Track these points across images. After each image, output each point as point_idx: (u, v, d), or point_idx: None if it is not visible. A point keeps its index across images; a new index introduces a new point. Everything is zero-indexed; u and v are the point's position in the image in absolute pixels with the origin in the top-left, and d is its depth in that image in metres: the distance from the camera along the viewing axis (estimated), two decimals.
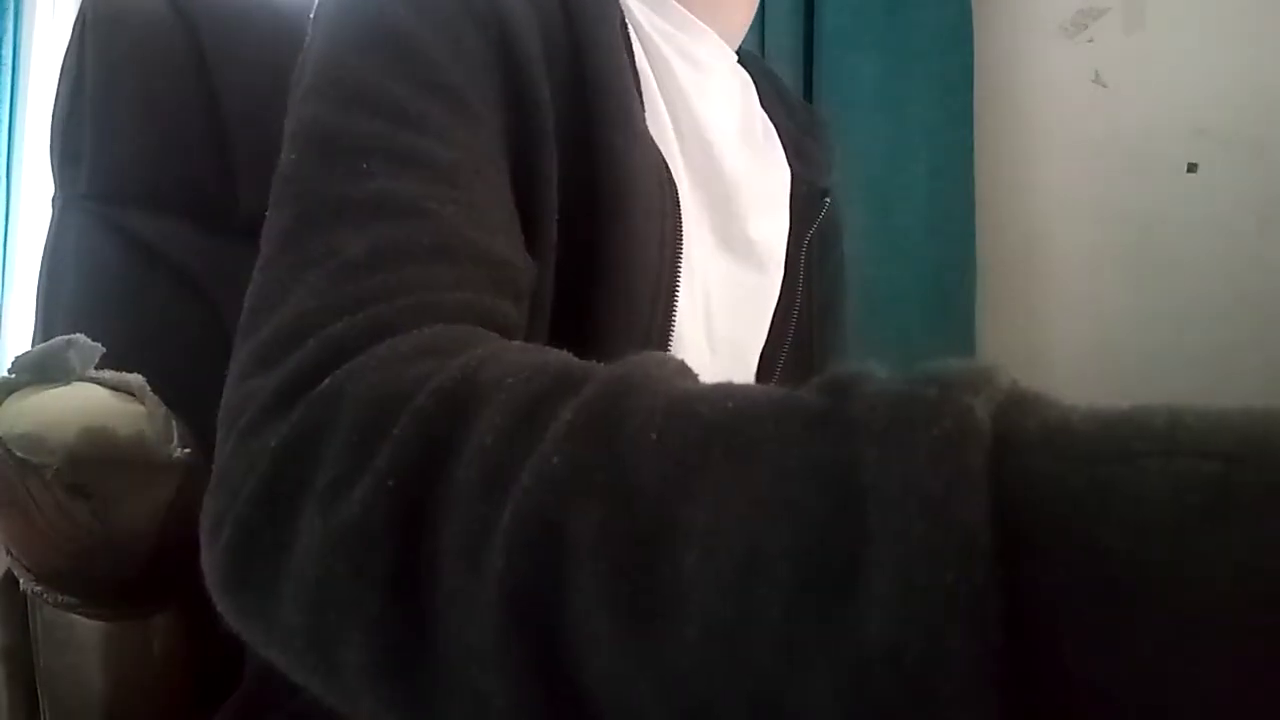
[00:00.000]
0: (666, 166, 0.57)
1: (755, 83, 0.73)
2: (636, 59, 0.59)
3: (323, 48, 0.49)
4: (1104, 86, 1.41)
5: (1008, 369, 0.25)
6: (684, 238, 0.57)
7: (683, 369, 0.32)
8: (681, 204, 0.58)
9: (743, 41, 0.72)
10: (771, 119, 0.73)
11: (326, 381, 0.33)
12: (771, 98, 0.74)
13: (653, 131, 0.58)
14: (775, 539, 0.23)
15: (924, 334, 1.37)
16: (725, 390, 0.28)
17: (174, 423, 0.54)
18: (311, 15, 0.54)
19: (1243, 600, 0.19)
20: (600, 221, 0.52)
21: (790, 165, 0.72)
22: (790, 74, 1.43)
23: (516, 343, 0.37)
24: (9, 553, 0.49)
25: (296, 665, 0.32)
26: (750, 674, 0.23)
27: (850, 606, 0.21)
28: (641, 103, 0.58)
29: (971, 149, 1.41)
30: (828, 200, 0.73)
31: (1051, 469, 0.21)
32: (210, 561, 0.34)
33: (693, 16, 0.64)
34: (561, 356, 0.34)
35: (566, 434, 0.28)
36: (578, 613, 0.25)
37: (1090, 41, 1.42)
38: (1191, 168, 1.37)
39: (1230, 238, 1.36)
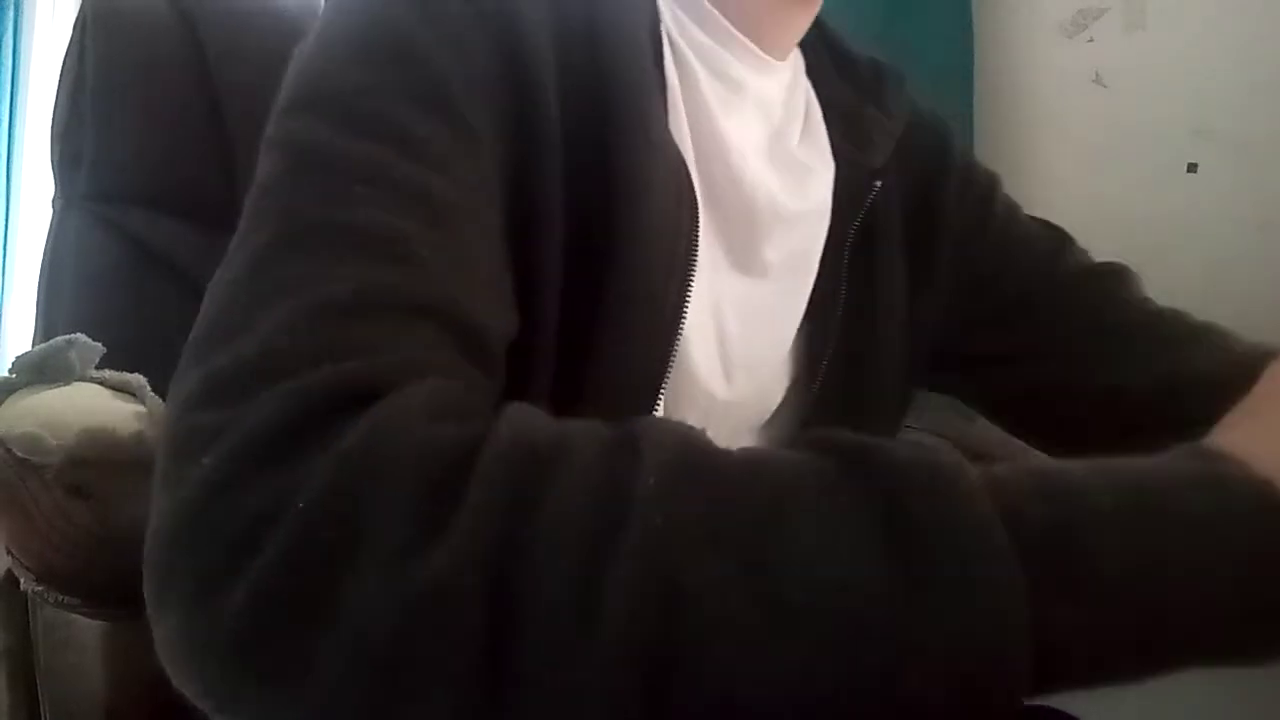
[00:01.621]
0: (689, 176, 0.54)
1: (809, 56, 0.67)
2: (666, 69, 0.56)
3: (319, 52, 0.45)
4: (1104, 86, 1.41)
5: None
6: (697, 261, 0.54)
7: (698, 433, 0.35)
8: (701, 231, 0.55)
9: None
10: (820, 92, 0.67)
11: (350, 434, 0.31)
12: (826, 68, 0.69)
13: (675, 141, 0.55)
14: (866, 551, 0.30)
15: None
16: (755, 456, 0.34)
17: None
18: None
19: None
20: (610, 243, 0.49)
21: (836, 151, 0.66)
22: None
23: (524, 405, 0.36)
24: (9, 553, 0.49)
25: None
26: (862, 657, 0.29)
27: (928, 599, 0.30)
28: (666, 111, 0.55)
29: (971, 148, 1.40)
30: (877, 185, 0.66)
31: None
32: (194, 630, 0.31)
33: (736, 31, 0.59)
34: (589, 422, 0.35)
35: (657, 495, 0.31)
36: (697, 649, 0.29)
37: (1090, 41, 1.42)
38: (1191, 168, 1.37)
39: (1230, 237, 1.36)
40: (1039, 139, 1.44)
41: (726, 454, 0.34)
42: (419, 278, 0.38)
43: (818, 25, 0.67)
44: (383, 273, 0.38)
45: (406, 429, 0.32)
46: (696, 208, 0.54)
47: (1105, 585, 0.31)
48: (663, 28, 0.57)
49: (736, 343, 0.60)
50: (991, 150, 1.43)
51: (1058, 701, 0.70)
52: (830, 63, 0.70)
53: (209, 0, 0.77)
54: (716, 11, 0.59)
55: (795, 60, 0.66)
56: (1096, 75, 1.42)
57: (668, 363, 0.54)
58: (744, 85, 0.60)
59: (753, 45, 0.60)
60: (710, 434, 0.36)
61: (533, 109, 0.47)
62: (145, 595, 0.33)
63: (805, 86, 0.67)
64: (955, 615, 0.29)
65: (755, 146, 0.62)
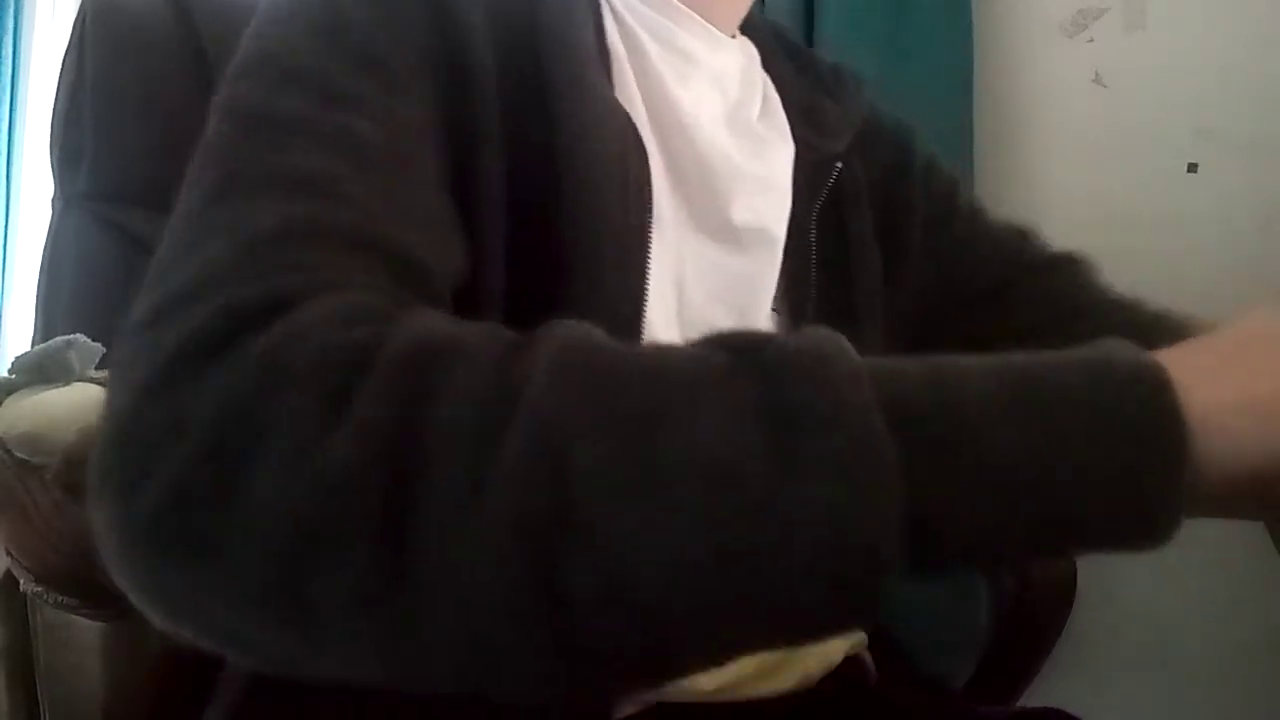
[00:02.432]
0: (635, 130, 0.56)
1: (762, 48, 0.69)
2: (608, 37, 0.58)
3: (261, 26, 0.48)
4: (1104, 86, 1.41)
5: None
6: (655, 219, 0.56)
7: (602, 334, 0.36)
8: (654, 183, 0.56)
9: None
10: (777, 85, 0.69)
11: (262, 340, 0.34)
12: (779, 60, 0.70)
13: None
14: (746, 433, 0.31)
15: None
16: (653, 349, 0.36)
17: None
18: None
19: None
20: (557, 192, 0.51)
21: (795, 136, 0.67)
22: None
23: (430, 310, 0.38)
24: (9, 553, 0.49)
25: (249, 615, 0.33)
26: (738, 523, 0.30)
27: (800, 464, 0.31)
28: (610, 78, 0.57)
29: (971, 149, 1.40)
30: (838, 167, 0.68)
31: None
32: (121, 522, 0.33)
33: (679, 3, 0.61)
34: (491, 325, 0.37)
35: (548, 384, 0.32)
36: (586, 518, 0.30)
37: (1090, 41, 1.42)
38: (1191, 168, 1.37)
39: (1230, 238, 1.36)
40: (1039, 139, 1.44)
41: (621, 349, 0.35)
42: (350, 212, 0.41)
43: (775, 29, 0.70)
44: (314, 207, 0.40)
45: (315, 331, 0.34)
46: (646, 156, 0.55)
47: (983, 467, 0.32)
48: (602, 1, 0.59)
49: (697, 310, 0.60)
50: (991, 150, 1.43)
51: (1058, 701, 0.70)
52: (787, 59, 0.72)
53: None
54: None
55: (749, 47, 0.68)
56: (1096, 75, 1.42)
57: (639, 320, 0.54)
58: (696, 57, 0.62)
59: (698, 18, 0.62)
60: None
61: (465, 67, 0.49)
62: (87, 498, 0.35)
63: (763, 77, 0.69)
64: (827, 494, 0.30)
65: (711, 115, 0.63)
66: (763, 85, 0.68)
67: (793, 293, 0.65)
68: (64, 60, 0.77)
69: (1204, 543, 1.35)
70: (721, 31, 0.64)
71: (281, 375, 0.33)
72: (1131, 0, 1.40)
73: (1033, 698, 0.91)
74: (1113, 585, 1.30)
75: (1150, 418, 0.33)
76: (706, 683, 0.57)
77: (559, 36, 0.54)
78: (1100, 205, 1.42)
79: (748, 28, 0.68)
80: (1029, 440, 0.32)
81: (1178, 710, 1.36)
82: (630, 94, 0.58)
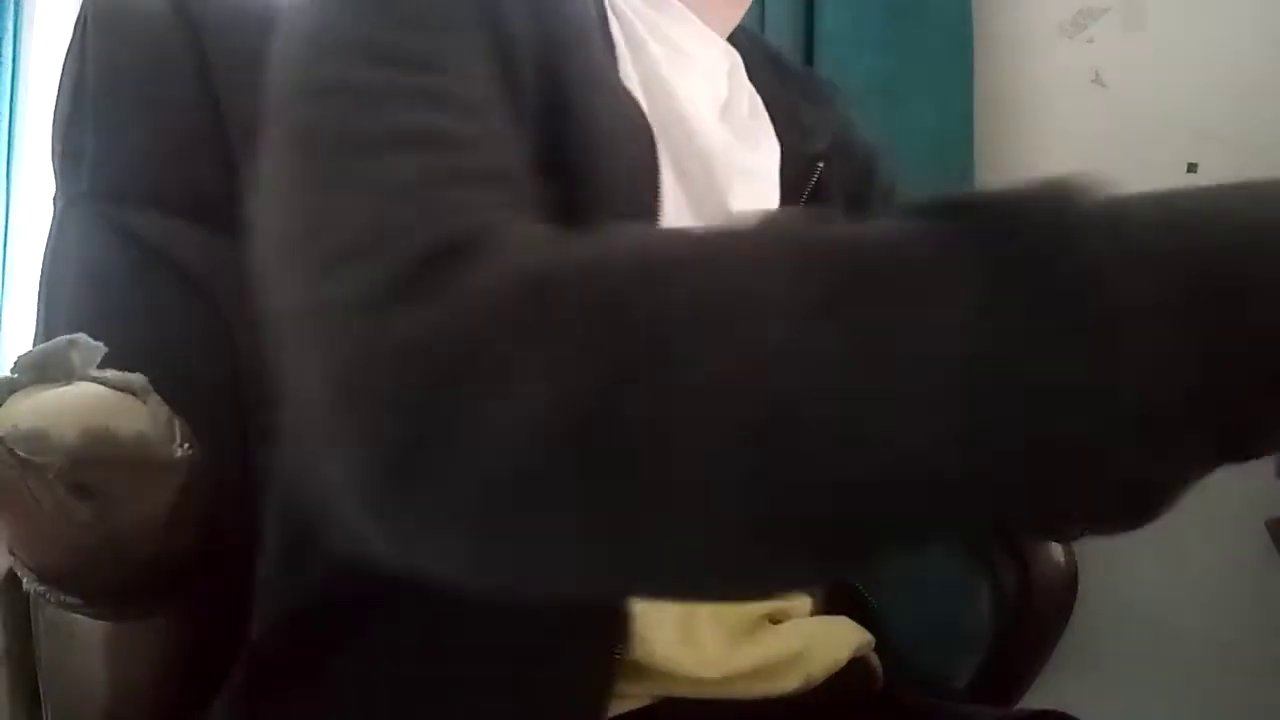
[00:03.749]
0: (643, 115, 0.57)
1: (745, 57, 0.71)
2: (611, 28, 0.59)
3: (318, 11, 0.48)
4: (1104, 86, 1.41)
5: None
6: (661, 189, 0.57)
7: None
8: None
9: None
10: (761, 92, 0.71)
11: (471, 278, 0.34)
12: (763, 68, 0.73)
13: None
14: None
15: None
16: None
17: (176, 422, 0.54)
18: None
19: None
20: (569, 176, 0.51)
21: (781, 138, 0.70)
22: None
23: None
24: (11, 552, 0.49)
25: (487, 533, 0.34)
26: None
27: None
28: (617, 66, 0.58)
29: (971, 149, 1.41)
30: (820, 166, 0.70)
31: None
32: (367, 465, 0.34)
33: (677, 2, 0.63)
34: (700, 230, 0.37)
35: (784, 279, 0.32)
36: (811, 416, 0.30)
37: (1090, 41, 1.42)
38: (1191, 168, 1.37)
39: None
40: (1039, 139, 1.45)
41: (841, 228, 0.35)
42: (474, 153, 0.42)
43: (752, 35, 0.72)
44: (441, 154, 0.41)
45: (516, 263, 0.35)
46: (654, 141, 0.57)
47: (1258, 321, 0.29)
48: None
49: None
50: (991, 150, 1.43)
51: (1059, 702, 0.70)
52: (770, 67, 0.74)
53: None
54: None
55: (734, 54, 0.70)
56: (1096, 75, 1.42)
57: None
58: (689, 51, 0.64)
59: (693, 15, 0.64)
60: None
61: (510, 47, 0.49)
62: (307, 448, 0.37)
63: (750, 91, 0.71)
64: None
65: (706, 105, 0.64)
66: (749, 89, 0.70)
67: None
68: (64, 61, 0.77)
69: (1204, 542, 1.35)
70: (714, 30, 0.66)
71: (504, 309, 0.34)
72: (1131, 0, 1.40)
73: (1034, 698, 0.91)
74: (1114, 585, 1.30)
75: None
76: (708, 672, 0.57)
77: (573, 25, 0.54)
78: None
79: (734, 36, 0.70)
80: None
81: (1178, 710, 1.36)
82: (631, 84, 0.59)
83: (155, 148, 0.74)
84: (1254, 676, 1.32)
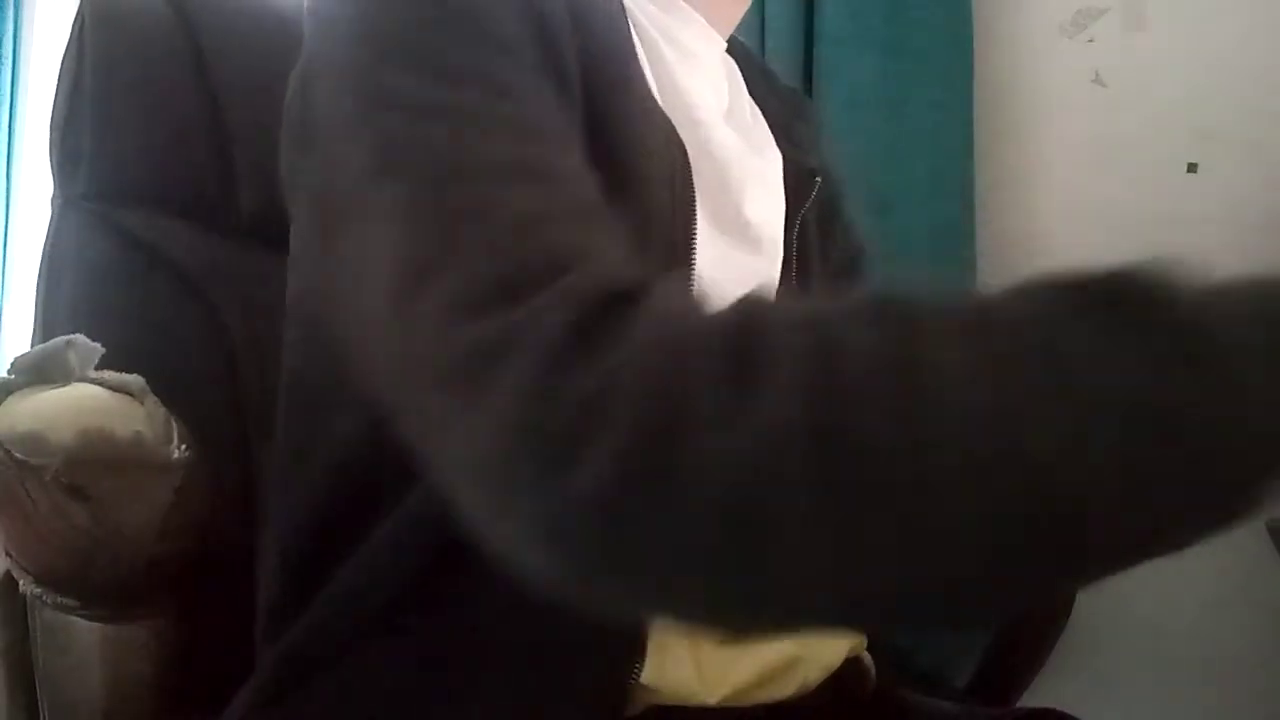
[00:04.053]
0: (673, 126, 0.57)
1: (741, 68, 0.72)
2: (633, 36, 0.59)
3: (377, 13, 0.46)
4: (1104, 86, 1.41)
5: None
6: (695, 195, 0.57)
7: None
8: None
9: (740, 37, 0.72)
10: (758, 104, 0.72)
11: (641, 322, 0.36)
12: (758, 82, 0.74)
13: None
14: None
15: None
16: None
17: (174, 423, 0.54)
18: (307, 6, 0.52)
19: None
20: (614, 188, 0.49)
21: (780, 148, 0.70)
22: (790, 74, 1.43)
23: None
24: (8, 554, 0.49)
25: (709, 568, 0.34)
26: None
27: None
28: (643, 74, 0.58)
29: (971, 149, 1.40)
30: (818, 180, 0.72)
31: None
32: (558, 510, 0.34)
33: (683, 3, 0.63)
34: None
35: (944, 340, 0.34)
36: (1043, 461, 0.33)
37: (1090, 41, 1.42)
38: (1191, 168, 1.37)
39: (1230, 238, 1.35)
40: (1039, 139, 1.44)
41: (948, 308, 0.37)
42: (572, 190, 0.42)
43: (746, 49, 0.73)
44: (556, 192, 0.41)
45: (679, 307, 0.37)
46: (684, 149, 0.56)
47: None
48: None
49: (721, 303, 0.61)
50: (991, 150, 1.43)
51: (1058, 702, 0.70)
52: (763, 80, 0.75)
53: (207, 0, 0.77)
54: None
55: (731, 61, 0.70)
56: (1096, 75, 1.42)
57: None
58: (697, 53, 0.64)
59: (701, 18, 0.64)
60: None
61: (561, 62, 0.49)
62: (478, 508, 0.37)
63: (749, 99, 0.71)
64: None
65: (714, 108, 0.65)
66: (747, 97, 0.71)
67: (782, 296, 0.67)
68: (63, 61, 0.77)
69: (1204, 543, 1.35)
70: (718, 32, 0.66)
71: (681, 350, 0.35)
72: (1131, 0, 1.40)
73: (1033, 698, 0.91)
74: (1113, 586, 1.30)
75: None
76: (709, 695, 0.57)
77: (609, 33, 0.54)
78: (1100, 205, 1.42)
79: (729, 47, 0.71)
80: None
81: (1178, 710, 1.36)
82: (650, 88, 0.59)
83: (153, 148, 0.74)
84: (1253, 677, 1.32)
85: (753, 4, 0.70)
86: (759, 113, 0.71)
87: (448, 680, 0.54)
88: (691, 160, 0.60)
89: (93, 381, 0.56)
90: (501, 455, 0.35)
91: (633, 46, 0.58)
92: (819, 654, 0.62)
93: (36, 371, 0.55)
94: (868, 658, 0.68)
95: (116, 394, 0.55)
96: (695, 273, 0.55)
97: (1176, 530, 0.37)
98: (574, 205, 0.41)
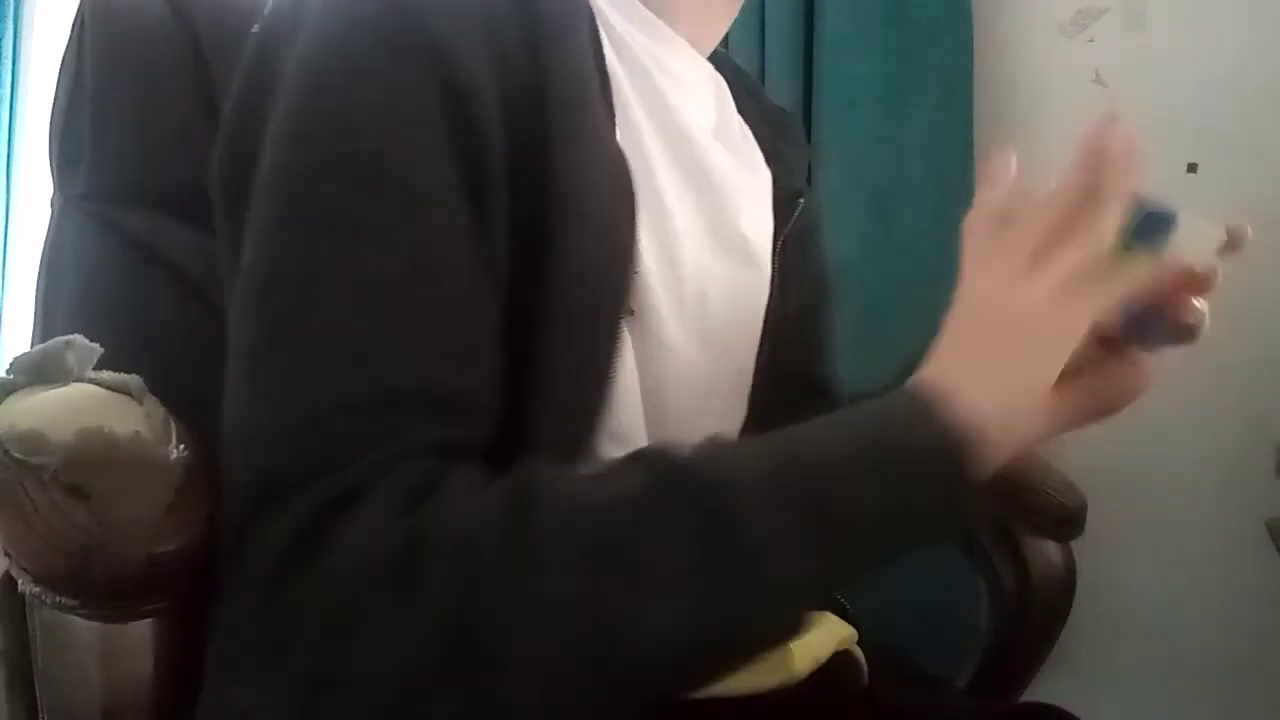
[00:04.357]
0: (629, 180, 0.57)
1: (730, 85, 0.73)
2: (608, 63, 0.59)
3: (282, 155, 0.50)
4: (1104, 86, 1.41)
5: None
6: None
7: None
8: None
9: (741, 41, 0.72)
10: (747, 122, 0.73)
11: (347, 534, 0.42)
12: (746, 100, 0.74)
13: (625, 138, 0.58)
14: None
15: (924, 334, 1.37)
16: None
17: (172, 423, 0.54)
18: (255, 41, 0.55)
19: None
20: (549, 238, 0.52)
21: (768, 167, 0.72)
22: (790, 75, 1.43)
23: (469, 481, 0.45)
24: (7, 554, 0.49)
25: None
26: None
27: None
28: (612, 111, 0.58)
29: (971, 149, 1.40)
30: (801, 201, 0.73)
31: None
32: (270, 689, 0.44)
33: (665, 26, 0.64)
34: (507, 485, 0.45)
35: (553, 564, 0.42)
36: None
37: (1090, 41, 1.42)
38: (1191, 168, 1.37)
39: None
40: (1039, 139, 1.44)
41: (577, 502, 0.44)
42: (392, 371, 0.46)
43: (735, 66, 0.75)
44: (361, 373, 0.46)
45: (377, 529, 0.42)
46: (635, 208, 0.56)
47: (845, 529, 0.45)
48: (598, 19, 0.60)
49: (718, 320, 0.63)
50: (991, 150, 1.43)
51: (1057, 701, 0.70)
52: (752, 100, 0.76)
53: (207, 0, 0.77)
54: (648, 9, 0.63)
55: (719, 77, 0.71)
56: (1096, 75, 1.42)
57: (614, 349, 0.55)
58: (684, 78, 0.65)
59: (685, 41, 0.65)
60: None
61: (475, 133, 0.50)
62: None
63: (738, 115, 0.73)
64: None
65: (704, 131, 0.66)
66: (738, 117, 0.72)
67: (768, 312, 0.70)
68: (62, 61, 0.77)
69: (1204, 543, 1.35)
70: (701, 49, 0.67)
71: (377, 570, 0.42)
72: (1131, 0, 1.40)
73: (1032, 697, 0.91)
74: (1113, 585, 1.30)
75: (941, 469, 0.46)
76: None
77: (565, 82, 0.54)
78: None
79: (714, 59, 0.71)
80: (874, 501, 0.45)
81: (1178, 709, 1.36)
82: (634, 115, 0.60)
83: (152, 148, 0.74)
84: (1253, 676, 1.32)
85: (753, 4, 0.70)
86: (749, 131, 0.73)
87: None
88: (688, 176, 0.62)
89: (91, 381, 0.56)
90: (246, 628, 0.46)
91: (604, 94, 0.58)
92: (806, 645, 0.62)
93: (36, 371, 0.55)
94: (859, 652, 0.69)
95: (115, 394, 0.55)
96: (623, 327, 0.56)
97: (723, 672, 0.47)
98: (388, 387, 0.46)
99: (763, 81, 1.44)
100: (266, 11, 0.57)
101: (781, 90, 1.42)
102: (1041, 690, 0.91)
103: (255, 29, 0.56)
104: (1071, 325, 0.48)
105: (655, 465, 0.45)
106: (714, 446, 0.47)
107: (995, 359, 0.48)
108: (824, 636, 0.65)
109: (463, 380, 0.48)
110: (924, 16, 1.40)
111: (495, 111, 0.51)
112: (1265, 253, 1.42)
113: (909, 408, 0.47)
